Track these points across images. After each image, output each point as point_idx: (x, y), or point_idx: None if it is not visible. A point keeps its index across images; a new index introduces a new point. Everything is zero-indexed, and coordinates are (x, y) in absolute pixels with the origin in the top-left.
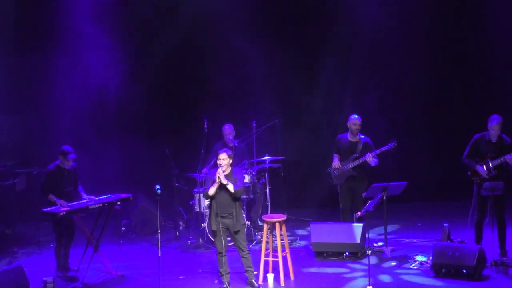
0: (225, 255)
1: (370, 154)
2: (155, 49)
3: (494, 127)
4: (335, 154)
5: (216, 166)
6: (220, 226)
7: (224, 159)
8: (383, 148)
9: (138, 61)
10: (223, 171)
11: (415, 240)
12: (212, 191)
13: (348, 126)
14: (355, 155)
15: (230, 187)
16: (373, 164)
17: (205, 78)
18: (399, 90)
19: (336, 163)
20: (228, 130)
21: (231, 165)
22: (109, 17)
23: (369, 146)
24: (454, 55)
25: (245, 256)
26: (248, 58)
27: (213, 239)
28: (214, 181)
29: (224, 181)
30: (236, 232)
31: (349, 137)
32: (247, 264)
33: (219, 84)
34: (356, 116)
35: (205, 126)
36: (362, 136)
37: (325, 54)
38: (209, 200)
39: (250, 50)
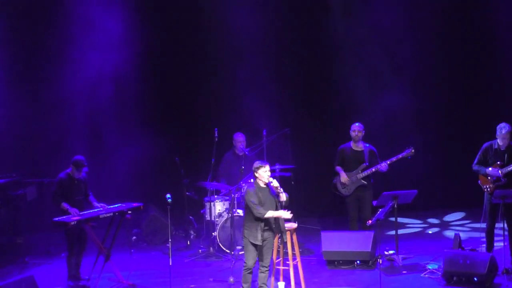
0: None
1: (385, 162)
2: (166, 59)
3: (503, 136)
4: (338, 167)
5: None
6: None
7: (269, 170)
8: (400, 155)
9: (148, 70)
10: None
11: (426, 248)
12: (269, 215)
13: (350, 134)
14: (364, 164)
15: (283, 196)
16: (384, 170)
17: (215, 86)
18: (408, 98)
19: (344, 178)
20: (240, 139)
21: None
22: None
23: (375, 154)
24: (462, 63)
25: (265, 272)
26: (259, 67)
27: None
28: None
29: (283, 196)
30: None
31: (353, 146)
32: (263, 280)
33: (230, 92)
34: (357, 123)
35: (216, 135)
36: (367, 145)
37: (335, 61)
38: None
39: (261, 59)
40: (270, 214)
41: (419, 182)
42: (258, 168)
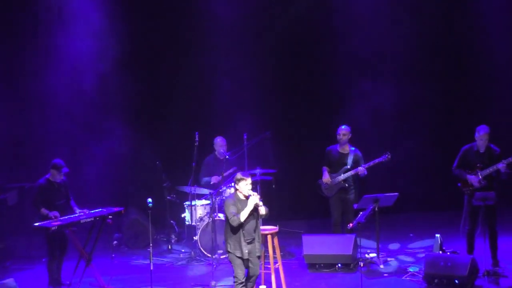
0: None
1: (362, 166)
2: (146, 64)
3: (481, 137)
4: (324, 167)
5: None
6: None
7: (251, 183)
8: (376, 160)
9: (129, 74)
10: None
11: (407, 251)
12: (244, 217)
13: (337, 137)
14: (346, 167)
15: (263, 209)
16: (363, 174)
17: (196, 90)
18: (390, 102)
19: (326, 178)
20: (221, 143)
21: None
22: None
23: (359, 157)
24: (442, 67)
25: (253, 281)
26: (240, 69)
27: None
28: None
29: (262, 209)
30: (259, 257)
31: (339, 148)
32: None
33: (211, 97)
34: (343, 126)
35: (196, 139)
36: (353, 148)
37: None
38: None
39: (241, 63)
40: (244, 214)
41: (401, 184)
42: (239, 180)
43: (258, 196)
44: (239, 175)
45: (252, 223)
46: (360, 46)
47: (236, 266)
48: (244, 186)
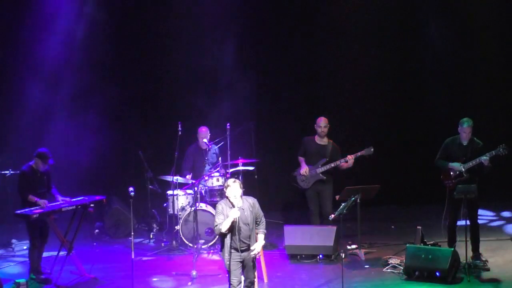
0: None
1: (345, 159)
2: (130, 51)
3: (465, 130)
4: (301, 158)
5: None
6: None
7: (237, 190)
8: (359, 153)
9: (111, 62)
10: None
11: (388, 243)
12: (224, 228)
13: (316, 128)
14: (324, 159)
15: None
16: (344, 167)
17: (179, 79)
18: (369, 93)
19: (304, 169)
20: (204, 133)
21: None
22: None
23: (338, 150)
24: (422, 60)
25: (250, 286)
26: (222, 60)
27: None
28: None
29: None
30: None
31: (317, 140)
32: None
33: (193, 86)
34: (323, 118)
35: (179, 128)
36: (331, 140)
37: (298, 55)
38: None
39: (224, 52)
40: (226, 224)
41: (383, 177)
42: (226, 187)
43: (238, 213)
44: (229, 182)
45: (243, 231)
46: (344, 42)
47: (230, 272)
48: (229, 192)
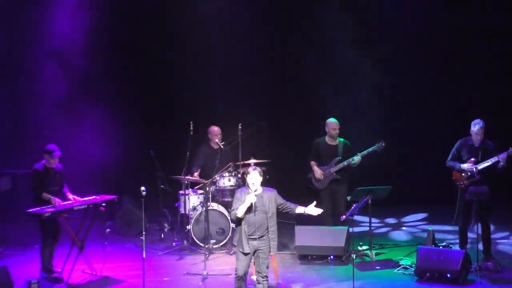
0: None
1: (357, 155)
2: (142, 51)
3: (477, 132)
4: (312, 162)
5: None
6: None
7: (256, 177)
8: (370, 149)
9: (123, 62)
10: (255, 190)
11: (399, 244)
12: (240, 213)
13: (327, 130)
14: (337, 158)
15: (301, 209)
16: (356, 164)
17: (191, 79)
18: (380, 94)
19: (318, 174)
20: (215, 132)
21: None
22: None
23: (349, 148)
24: (438, 61)
25: (262, 282)
26: (235, 59)
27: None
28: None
29: (300, 209)
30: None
31: (328, 140)
32: None
33: (206, 86)
34: (334, 120)
35: (191, 128)
36: (341, 139)
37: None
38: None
39: (237, 53)
40: (242, 209)
41: (395, 177)
42: (246, 174)
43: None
44: (248, 169)
45: (260, 218)
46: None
47: (238, 261)
48: (248, 179)
